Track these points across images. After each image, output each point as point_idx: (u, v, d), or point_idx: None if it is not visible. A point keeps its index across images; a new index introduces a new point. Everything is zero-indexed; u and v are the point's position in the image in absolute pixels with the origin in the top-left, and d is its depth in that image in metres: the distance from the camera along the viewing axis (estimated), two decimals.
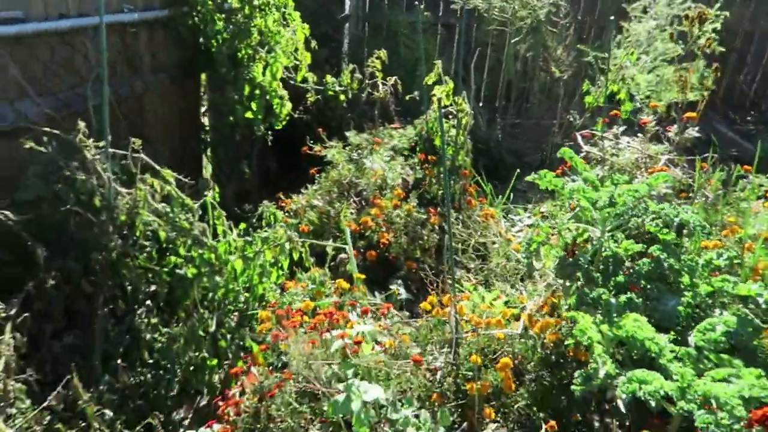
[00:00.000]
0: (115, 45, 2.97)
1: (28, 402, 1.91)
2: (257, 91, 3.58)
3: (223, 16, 3.43)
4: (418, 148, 3.65)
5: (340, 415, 1.67)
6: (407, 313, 2.48)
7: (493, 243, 3.08)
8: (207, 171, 4.10)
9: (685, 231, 2.36)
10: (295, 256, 2.70)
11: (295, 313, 2.21)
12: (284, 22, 3.84)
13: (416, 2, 4.83)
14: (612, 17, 3.81)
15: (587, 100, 4.12)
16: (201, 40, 3.44)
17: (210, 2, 3.35)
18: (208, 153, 4.01)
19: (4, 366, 1.78)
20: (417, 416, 1.74)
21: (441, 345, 2.12)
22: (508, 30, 4.67)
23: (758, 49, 6.26)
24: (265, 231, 2.77)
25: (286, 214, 3.33)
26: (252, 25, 3.52)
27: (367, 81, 4.22)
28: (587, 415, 2.08)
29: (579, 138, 3.30)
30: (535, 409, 1.99)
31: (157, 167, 2.44)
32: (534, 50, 4.59)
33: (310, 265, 2.73)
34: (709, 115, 5.28)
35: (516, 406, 2.01)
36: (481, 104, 5.00)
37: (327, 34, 5.06)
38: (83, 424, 2.00)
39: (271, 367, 2.03)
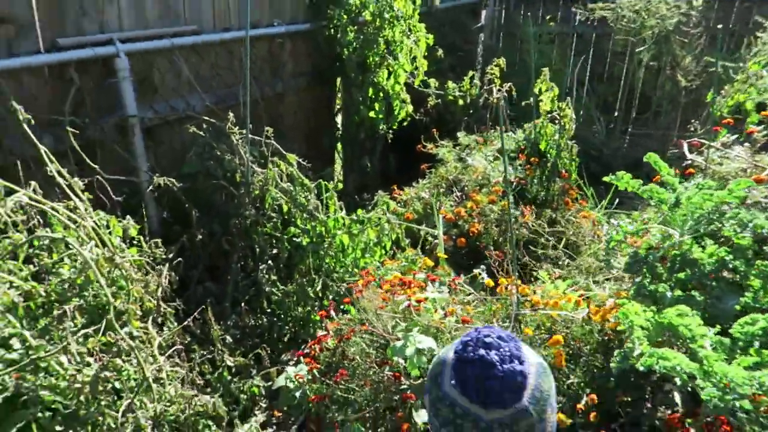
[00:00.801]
0: (263, 53, 3.60)
1: (175, 324, 2.51)
2: (380, 94, 4.04)
3: (356, 27, 3.93)
4: (525, 151, 3.87)
5: (398, 358, 2.02)
6: (483, 293, 2.75)
7: (584, 243, 3.22)
8: (337, 164, 4.66)
9: None
10: (393, 237, 3.09)
11: (384, 282, 2.60)
12: (409, 32, 4.27)
13: (547, 15, 5.00)
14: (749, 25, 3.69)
15: (713, 109, 4.02)
16: (337, 49, 3.98)
17: (345, 15, 3.87)
18: (339, 148, 4.57)
19: (162, 292, 2.38)
20: None
21: (503, 320, 2.38)
22: (633, 40, 4.66)
23: None
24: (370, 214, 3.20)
25: (398, 204, 3.74)
26: (381, 35, 3.99)
27: (485, 87, 4.50)
28: (638, 400, 2.21)
29: (685, 146, 3.31)
30: (582, 385, 2.17)
31: (285, 153, 2.97)
32: (660, 60, 4.53)
33: (405, 245, 3.11)
34: None
35: (567, 382, 2.21)
36: (599, 112, 5.02)
37: (455, 44, 5.40)
38: (211, 348, 2.57)
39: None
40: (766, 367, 1.68)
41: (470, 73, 4.56)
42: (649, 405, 2.27)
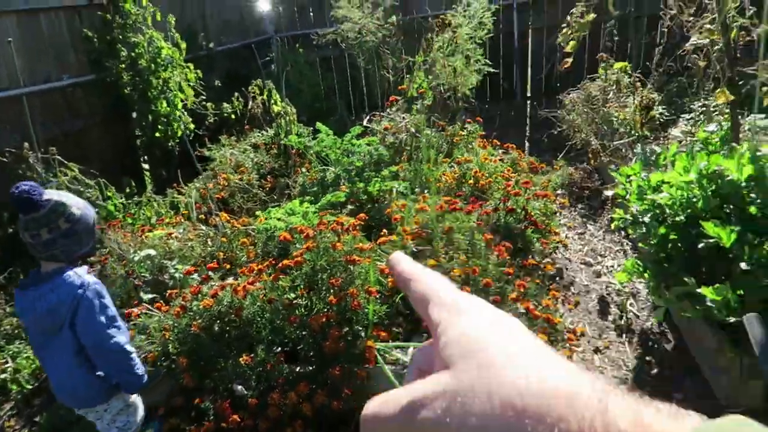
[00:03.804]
0: (59, 100, 4.89)
1: None
2: (162, 119, 5.43)
3: (134, 73, 5.31)
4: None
5: None
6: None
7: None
8: (147, 175, 5.97)
9: None
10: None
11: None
12: (181, 70, 5.71)
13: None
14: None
15: (408, 91, 5.77)
16: (121, 90, 5.34)
17: (122, 66, 5.25)
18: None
19: None
20: None
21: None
22: (355, 52, 6.44)
23: None
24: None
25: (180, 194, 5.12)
26: (155, 76, 5.40)
27: (251, 103, 6.03)
28: None
29: (366, 119, 4.96)
30: None
31: (68, 164, 4.28)
32: (375, 64, 6.34)
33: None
34: None
35: None
36: (345, 107, 6.81)
37: (240, 74, 6.94)
38: None
39: None
40: None
41: (236, 95, 6.07)
42: None
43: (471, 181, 4.04)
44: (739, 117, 5.08)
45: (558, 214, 4.29)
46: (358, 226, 3.14)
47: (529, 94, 7.94)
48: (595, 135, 4.97)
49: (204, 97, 5.97)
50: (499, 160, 4.49)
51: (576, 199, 4.63)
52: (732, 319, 2.35)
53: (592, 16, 3.55)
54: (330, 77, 7.61)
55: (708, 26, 3.50)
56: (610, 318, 3.25)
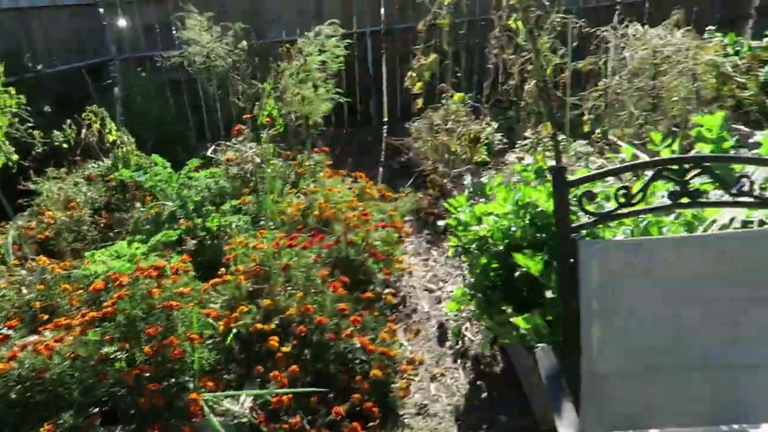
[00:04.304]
0: None
1: None
2: None
3: None
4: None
5: None
6: None
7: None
8: None
9: None
10: None
11: None
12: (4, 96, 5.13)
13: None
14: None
15: (259, 117, 5.64)
16: None
17: None
18: None
19: None
20: None
21: None
22: (204, 77, 6.22)
23: None
24: None
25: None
26: None
27: (85, 131, 5.56)
28: None
29: (212, 148, 4.76)
30: None
31: None
32: (225, 89, 6.19)
33: None
34: None
35: None
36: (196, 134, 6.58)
37: (74, 99, 6.40)
38: None
39: None
40: None
41: (69, 122, 5.59)
42: None
43: (316, 213, 4.01)
44: (568, 143, 5.56)
45: (404, 241, 4.38)
46: (185, 267, 2.97)
47: (386, 119, 8.15)
48: (440, 162, 5.19)
49: (31, 124, 5.41)
50: (348, 189, 4.51)
51: (423, 224, 4.78)
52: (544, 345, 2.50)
53: (433, 56, 3.72)
54: (182, 101, 7.28)
55: (526, 64, 3.80)
56: (448, 344, 3.35)
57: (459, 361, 3.20)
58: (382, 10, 7.76)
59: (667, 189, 1.93)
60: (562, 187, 1.82)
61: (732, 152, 3.49)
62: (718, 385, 1.85)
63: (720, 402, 1.84)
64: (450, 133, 4.84)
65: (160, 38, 7.43)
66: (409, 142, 5.36)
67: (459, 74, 7.07)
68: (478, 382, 3.02)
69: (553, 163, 4.70)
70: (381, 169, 6.15)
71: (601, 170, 1.94)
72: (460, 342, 3.32)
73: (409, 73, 4.09)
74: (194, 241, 3.85)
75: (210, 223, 3.67)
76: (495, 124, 5.60)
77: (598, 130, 5.65)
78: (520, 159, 4.95)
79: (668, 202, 1.85)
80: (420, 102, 4.36)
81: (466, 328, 3.42)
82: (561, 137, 5.40)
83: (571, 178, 1.87)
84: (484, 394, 2.94)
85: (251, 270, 3.16)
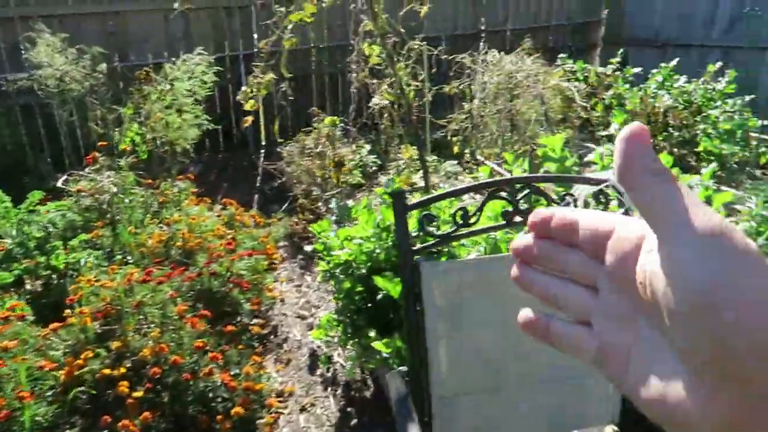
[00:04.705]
0: None
1: None
2: None
3: None
4: None
5: None
6: None
7: None
8: None
9: None
10: None
11: None
12: None
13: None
14: None
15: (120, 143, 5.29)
16: None
17: None
18: None
19: None
20: None
21: None
22: (56, 102, 5.77)
23: None
24: None
25: None
26: None
27: None
28: None
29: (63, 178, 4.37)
30: None
31: None
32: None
33: None
34: None
35: None
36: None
37: None
38: None
39: None
40: None
41: None
42: None
43: (179, 243, 3.80)
44: (438, 163, 5.74)
45: (276, 268, 4.28)
46: (19, 312, 2.68)
47: (264, 143, 8.00)
48: (314, 186, 5.16)
49: None
50: (217, 216, 4.34)
51: (297, 249, 4.70)
52: (403, 368, 2.52)
53: (270, 76, 3.68)
54: (35, 127, 6.67)
55: (387, 89, 3.89)
56: (319, 372, 3.29)
57: (329, 388, 3.14)
58: (255, 35, 7.67)
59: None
60: (401, 210, 1.84)
61: (575, 169, 3.79)
62: (561, 396, 1.94)
63: (563, 413, 1.94)
64: (321, 156, 4.83)
65: (6, 59, 6.80)
66: (282, 166, 5.27)
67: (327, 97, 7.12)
68: (349, 409, 2.98)
69: (422, 183, 4.84)
70: (256, 195, 5.99)
71: (436, 194, 1.98)
72: (330, 369, 3.27)
73: (244, 89, 4.04)
74: (39, 282, 3.51)
75: (55, 261, 3.36)
76: (368, 147, 5.67)
77: (466, 151, 5.92)
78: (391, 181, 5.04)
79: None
80: (249, 119, 4.25)
81: (339, 354, 3.37)
82: (432, 158, 5.60)
83: (410, 202, 1.90)
84: (354, 421, 2.91)
85: (100, 310, 2.91)
